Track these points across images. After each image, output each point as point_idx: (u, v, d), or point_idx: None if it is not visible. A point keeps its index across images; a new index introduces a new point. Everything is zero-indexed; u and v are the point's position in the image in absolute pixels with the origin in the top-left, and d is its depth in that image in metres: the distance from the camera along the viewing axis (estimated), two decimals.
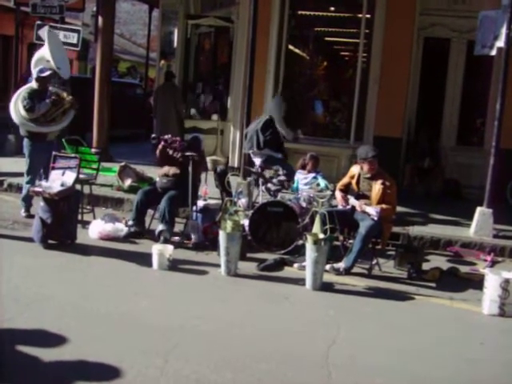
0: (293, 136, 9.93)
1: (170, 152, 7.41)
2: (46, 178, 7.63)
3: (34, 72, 7.83)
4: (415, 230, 8.09)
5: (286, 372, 4.18)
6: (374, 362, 4.47)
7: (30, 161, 7.78)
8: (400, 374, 4.33)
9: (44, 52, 8.36)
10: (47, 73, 7.74)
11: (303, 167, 8.29)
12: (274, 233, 7.16)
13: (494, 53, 8.15)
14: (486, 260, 7.42)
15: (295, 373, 4.18)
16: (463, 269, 7.01)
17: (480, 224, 8.05)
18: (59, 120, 7.81)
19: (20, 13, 13.17)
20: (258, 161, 8.76)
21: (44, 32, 9.47)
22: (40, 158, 7.70)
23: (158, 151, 7.51)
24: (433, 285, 6.44)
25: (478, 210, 8.14)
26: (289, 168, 8.61)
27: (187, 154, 7.24)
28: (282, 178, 8.14)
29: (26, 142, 7.78)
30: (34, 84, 7.76)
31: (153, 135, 7.58)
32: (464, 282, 6.60)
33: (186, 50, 13.09)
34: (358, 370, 4.32)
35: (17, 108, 7.65)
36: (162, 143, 7.40)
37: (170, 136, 7.53)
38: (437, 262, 7.24)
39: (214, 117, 12.46)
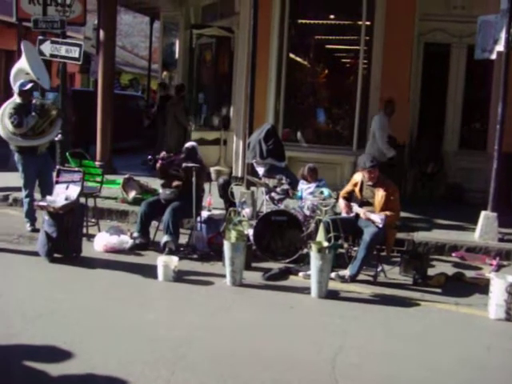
0: (393, 154, 9.42)
1: (171, 169, 7.44)
2: (42, 190, 7.70)
3: (16, 87, 7.79)
4: (420, 236, 8.08)
5: (292, 381, 4.18)
6: (380, 369, 4.47)
7: (24, 175, 7.80)
8: (407, 381, 4.33)
9: (22, 65, 8.37)
10: (29, 86, 7.73)
11: (304, 178, 8.29)
12: (278, 242, 7.16)
13: (494, 57, 8.17)
14: (491, 264, 7.41)
15: (302, 382, 4.18)
16: (469, 273, 7.01)
17: (485, 228, 8.05)
18: (48, 131, 7.84)
19: (22, 28, 13.24)
20: (261, 170, 8.79)
21: (46, 47, 9.53)
22: (34, 170, 7.75)
23: (158, 171, 7.56)
24: (438, 290, 6.43)
25: (483, 214, 8.13)
26: (292, 177, 8.62)
27: (188, 165, 7.26)
28: (286, 186, 8.16)
29: (17, 156, 7.79)
30: (17, 98, 7.72)
31: (149, 157, 7.57)
32: (470, 287, 6.59)
33: (190, 60, 13.14)
34: (364, 378, 4.31)
35: (4, 124, 7.64)
36: (160, 162, 7.43)
37: (164, 153, 7.53)
38: (442, 267, 7.25)
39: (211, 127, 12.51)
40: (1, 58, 21.91)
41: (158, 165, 7.45)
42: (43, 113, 7.76)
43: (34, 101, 7.84)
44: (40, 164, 7.78)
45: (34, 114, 7.61)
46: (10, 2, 12.47)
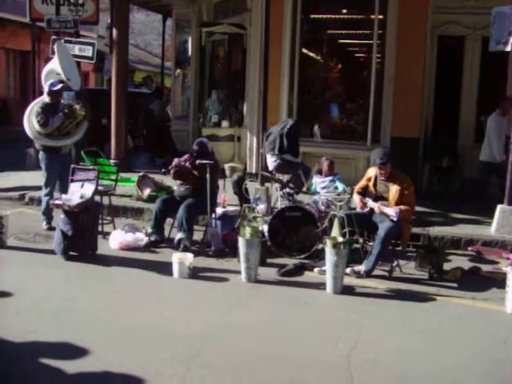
0: (502, 158, 9.23)
1: (185, 170, 7.47)
2: (62, 189, 7.74)
3: (46, 86, 7.85)
4: (435, 230, 8.04)
5: (307, 376, 4.18)
6: (396, 365, 4.45)
7: (46, 173, 7.85)
8: (422, 376, 4.31)
9: (53, 65, 8.41)
10: (58, 86, 7.78)
11: (319, 172, 8.28)
12: (293, 237, 7.15)
13: (508, 48, 8.08)
14: (508, 258, 7.34)
15: (317, 378, 4.18)
16: (485, 268, 6.95)
17: (501, 222, 7.98)
18: (73, 133, 7.86)
19: (36, 28, 13.35)
20: (272, 164, 8.62)
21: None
22: (57, 169, 7.80)
23: (172, 176, 7.62)
24: (454, 285, 6.39)
25: (499, 207, 8.06)
26: (307, 170, 8.63)
27: (202, 161, 7.27)
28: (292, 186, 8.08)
29: (41, 155, 7.85)
30: (46, 98, 7.79)
31: (163, 170, 7.62)
32: (486, 281, 6.54)
33: (201, 57, 13.15)
34: (380, 374, 4.30)
35: (30, 123, 7.71)
36: (174, 169, 7.48)
37: (177, 160, 7.57)
38: (458, 261, 7.20)
39: (225, 123, 12.41)
40: (16, 59, 22.10)
41: (172, 172, 7.52)
42: (70, 114, 7.79)
43: (62, 101, 7.89)
44: (63, 163, 7.81)
45: (60, 114, 7.65)
46: (24, 2, 12.57)
